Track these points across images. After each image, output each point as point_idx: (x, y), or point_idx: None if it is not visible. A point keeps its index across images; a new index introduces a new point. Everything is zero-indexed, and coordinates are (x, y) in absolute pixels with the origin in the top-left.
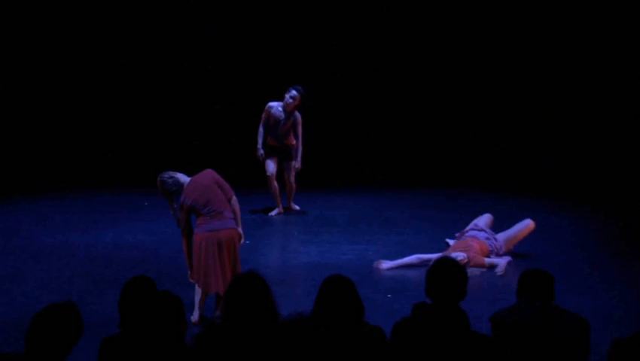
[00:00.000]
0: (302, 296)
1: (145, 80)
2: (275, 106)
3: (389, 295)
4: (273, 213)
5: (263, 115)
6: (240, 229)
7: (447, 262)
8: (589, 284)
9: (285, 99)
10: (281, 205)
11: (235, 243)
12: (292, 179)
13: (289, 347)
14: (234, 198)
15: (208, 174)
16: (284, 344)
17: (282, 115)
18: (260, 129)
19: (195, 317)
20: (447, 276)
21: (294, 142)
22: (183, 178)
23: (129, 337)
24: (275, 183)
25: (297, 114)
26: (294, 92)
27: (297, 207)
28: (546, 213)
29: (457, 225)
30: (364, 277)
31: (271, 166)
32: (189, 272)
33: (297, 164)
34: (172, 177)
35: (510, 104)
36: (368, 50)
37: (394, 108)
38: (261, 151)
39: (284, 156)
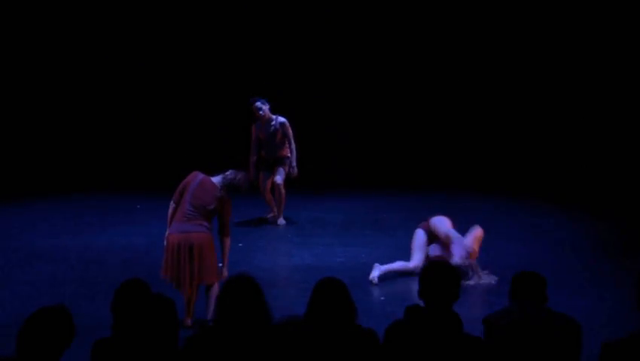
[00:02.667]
0: (295, 299)
1: (139, 83)
2: (259, 124)
3: (382, 298)
4: (269, 215)
5: (253, 136)
6: (225, 270)
7: (440, 265)
8: (581, 286)
9: (259, 115)
10: (274, 210)
11: (206, 246)
12: (281, 184)
13: (282, 350)
14: (227, 239)
15: (221, 202)
16: (277, 347)
17: (266, 127)
18: (252, 157)
19: (187, 321)
20: (440, 278)
21: (288, 153)
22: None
23: (122, 339)
24: (270, 195)
25: (283, 119)
26: (257, 104)
27: (283, 223)
28: (538, 214)
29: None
30: (357, 279)
31: (264, 182)
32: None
33: (292, 169)
34: (245, 182)
35: (503, 106)
36: (359, 53)
37: (388, 111)
38: (256, 177)
39: (275, 165)
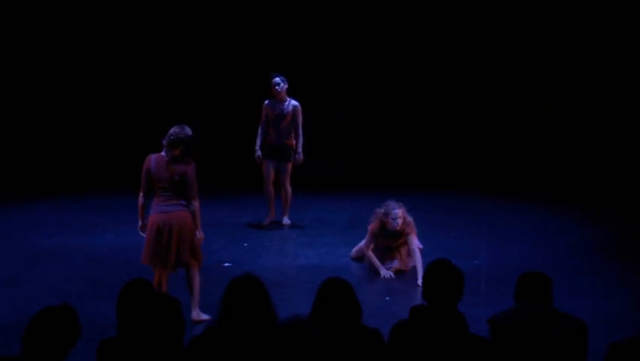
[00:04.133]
0: (300, 299)
1: (143, 82)
2: (271, 102)
3: (387, 298)
4: (266, 221)
5: (262, 114)
6: (199, 232)
7: (443, 265)
8: (587, 286)
9: (275, 91)
10: (273, 212)
11: (187, 225)
12: (287, 182)
13: (287, 350)
14: (195, 203)
15: (179, 165)
16: (282, 347)
17: (278, 107)
18: (260, 130)
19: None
20: (443, 278)
21: (294, 142)
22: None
23: (127, 339)
24: (271, 188)
25: (296, 103)
26: (276, 79)
27: (288, 222)
28: (542, 215)
29: (454, 227)
30: (362, 279)
31: (269, 171)
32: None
33: (298, 156)
34: (182, 131)
35: (508, 106)
36: (366, 51)
37: (392, 110)
38: (259, 153)
39: (281, 157)
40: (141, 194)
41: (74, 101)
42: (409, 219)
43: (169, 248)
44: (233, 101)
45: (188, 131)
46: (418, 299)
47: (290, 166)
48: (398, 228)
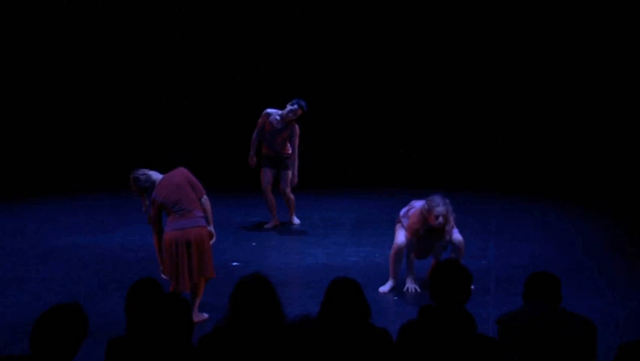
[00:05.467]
0: (308, 298)
1: (147, 81)
2: (274, 114)
3: (396, 298)
4: (269, 225)
5: (260, 121)
6: (211, 228)
7: (451, 265)
8: (596, 287)
9: (286, 110)
10: (277, 218)
11: (204, 241)
12: (288, 190)
13: (295, 349)
14: (205, 197)
15: (180, 173)
16: (290, 346)
17: (280, 125)
18: (255, 136)
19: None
20: (451, 278)
21: (290, 151)
22: (155, 175)
23: (136, 338)
24: (272, 195)
25: (295, 125)
26: (295, 107)
27: (298, 222)
28: (552, 215)
29: (462, 227)
30: (371, 279)
31: (267, 177)
32: (161, 268)
33: (293, 178)
34: (144, 174)
35: (516, 105)
36: (371, 51)
37: (400, 110)
38: (254, 159)
39: (279, 166)
40: (155, 237)
41: (86, 100)
42: (452, 215)
43: (184, 266)
44: (237, 100)
45: (132, 179)
46: (426, 299)
47: (289, 174)
48: (440, 226)
